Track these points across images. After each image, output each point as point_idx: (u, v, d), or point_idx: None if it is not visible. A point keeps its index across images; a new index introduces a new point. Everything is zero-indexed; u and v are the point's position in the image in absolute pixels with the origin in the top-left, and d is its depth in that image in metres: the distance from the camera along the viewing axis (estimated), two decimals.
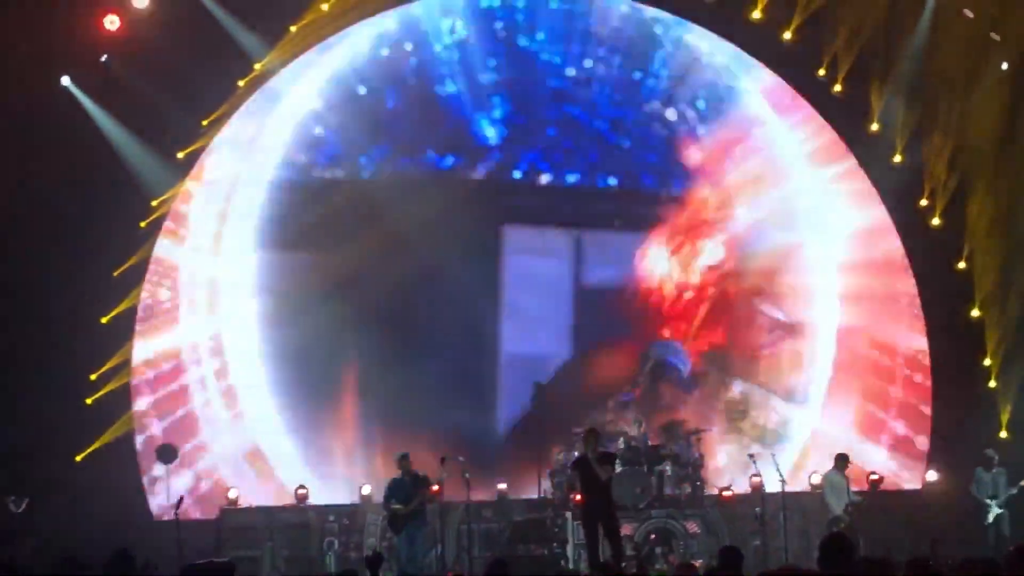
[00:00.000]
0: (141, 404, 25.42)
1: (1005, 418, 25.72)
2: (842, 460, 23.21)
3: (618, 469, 22.79)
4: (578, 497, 22.11)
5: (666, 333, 27.00)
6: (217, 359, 26.05)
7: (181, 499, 21.69)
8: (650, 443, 23.78)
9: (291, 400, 25.99)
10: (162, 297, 25.91)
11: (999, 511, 23.33)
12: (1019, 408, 25.59)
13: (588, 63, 27.14)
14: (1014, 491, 23.33)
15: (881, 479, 24.19)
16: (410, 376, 25.19)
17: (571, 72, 27.16)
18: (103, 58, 24.72)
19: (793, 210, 27.18)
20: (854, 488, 23.20)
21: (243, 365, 26.13)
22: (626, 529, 22.33)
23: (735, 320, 27.12)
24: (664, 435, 24.32)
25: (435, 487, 22.11)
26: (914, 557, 10.80)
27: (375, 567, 15.42)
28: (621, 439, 23.63)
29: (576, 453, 23.07)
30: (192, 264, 26.11)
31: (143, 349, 25.59)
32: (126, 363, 25.20)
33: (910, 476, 26.30)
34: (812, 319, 27.15)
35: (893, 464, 26.28)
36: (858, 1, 25.33)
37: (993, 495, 23.41)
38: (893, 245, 26.77)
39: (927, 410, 26.45)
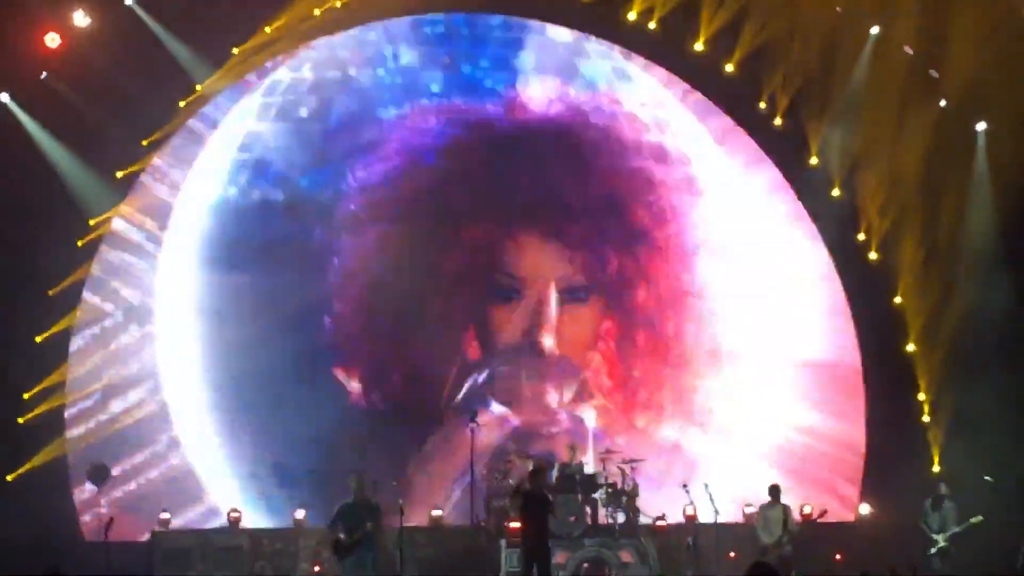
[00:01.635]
0: (74, 425, 25.18)
1: (936, 453, 25.93)
2: (775, 491, 23.29)
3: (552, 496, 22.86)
4: (515, 525, 22.24)
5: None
6: (152, 380, 25.84)
7: (111, 520, 21.47)
8: (585, 471, 23.80)
9: (227, 423, 25.83)
10: (99, 317, 25.70)
11: (943, 545, 23.43)
12: (950, 442, 25.80)
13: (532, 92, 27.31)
14: (958, 529, 23.43)
15: (822, 512, 24.18)
16: (345, 400, 25.13)
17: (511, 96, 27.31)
18: (43, 75, 24.55)
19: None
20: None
21: (179, 386, 25.92)
22: (559, 557, 22.32)
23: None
24: (598, 463, 24.35)
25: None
26: None
27: None
28: (556, 466, 23.62)
29: (510, 480, 23.18)
30: (130, 285, 25.93)
31: (78, 369, 25.39)
32: (61, 384, 24.98)
33: (843, 511, 26.45)
34: (743, 345, 27.36)
35: (826, 497, 26.42)
36: (800, 35, 25.47)
37: (941, 529, 23.51)
38: (830, 275, 27.13)
39: (861, 443, 26.65)
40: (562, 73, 27.36)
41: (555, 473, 23.47)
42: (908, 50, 25.75)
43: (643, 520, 23.96)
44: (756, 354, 27.27)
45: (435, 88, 27.01)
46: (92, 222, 25.11)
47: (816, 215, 27.02)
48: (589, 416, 26.70)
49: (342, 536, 20.86)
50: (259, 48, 25.73)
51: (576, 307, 26.95)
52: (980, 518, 23.23)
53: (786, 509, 23.08)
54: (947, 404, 25.89)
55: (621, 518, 23.45)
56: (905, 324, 26.30)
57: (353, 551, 21.02)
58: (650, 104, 27.53)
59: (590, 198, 27.02)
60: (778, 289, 27.34)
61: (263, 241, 26.09)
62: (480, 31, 27.45)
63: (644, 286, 27.16)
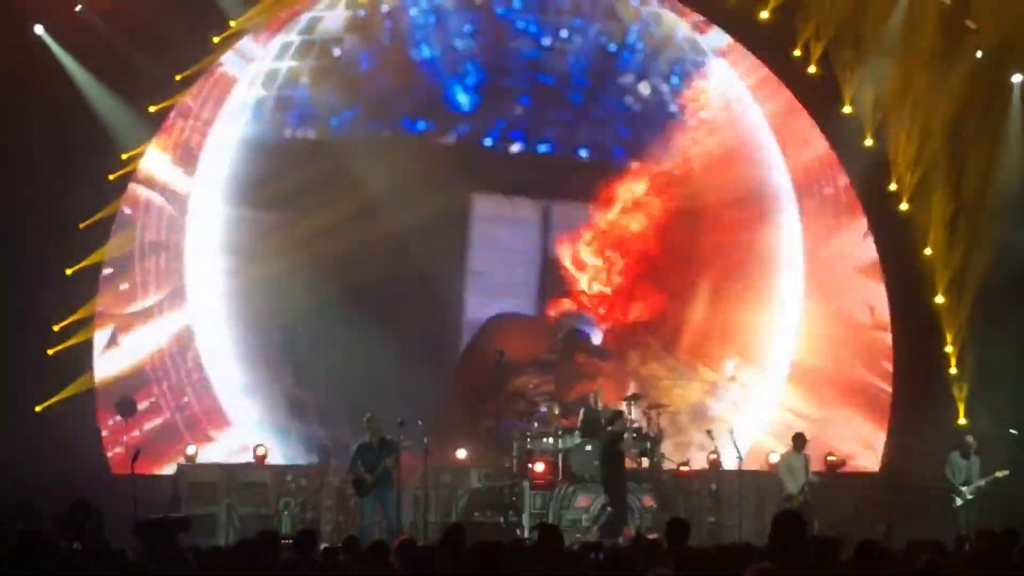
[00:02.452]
0: (102, 358, 25.31)
1: (962, 405, 25.91)
2: (799, 440, 23.29)
3: (576, 441, 22.95)
4: (539, 468, 22.48)
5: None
6: (180, 316, 25.93)
7: (137, 453, 21.57)
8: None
9: (252, 359, 25.96)
10: (128, 252, 25.78)
11: (969, 498, 23.44)
12: (975, 395, 25.78)
13: (564, 33, 27.17)
14: (983, 483, 23.43)
15: (841, 462, 24.24)
16: (372, 339, 25.17)
17: (547, 41, 27.16)
18: (77, 8, 24.54)
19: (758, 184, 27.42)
20: (813, 468, 23.30)
21: (206, 323, 26.03)
22: (582, 501, 22.43)
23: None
24: (625, 407, 24.33)
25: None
26: (865, 540, 10.86)
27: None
28: (582, 410, 23.66)
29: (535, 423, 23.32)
30: (158, 220, 25.98)
31: (107, 303, 25.49)
32: (90, 318, 25.08)
33: (868, 458, 26.48)
34: (776, 294, 27.37)
35: (852, 446, 26.46)
36: None
37: (966, 481, 23.52)
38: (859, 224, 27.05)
39: (887, 393, 26.66)
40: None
41: (580, 415, 23.52)
42: (945, 0, 25.59)
43: (667, 465, 24.03)
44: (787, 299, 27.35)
45: (467, 29, 26.93)
46: (124, 156, 25.12)
47: (848, 165, 26.94)
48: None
49: (364, 475, 21.26)
50: None
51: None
52: (1007, 472, 23.21)
53: (807, 458, 23.11)
54: (972, 356, 25.89)
55: (645, 463, 23.51)
56: (933, 276, 26.25)
57: (373, 489, 21.37)
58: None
59: None
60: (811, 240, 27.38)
61: (293, 180, 26.08)
62: None
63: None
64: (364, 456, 21.58)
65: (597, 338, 27.02)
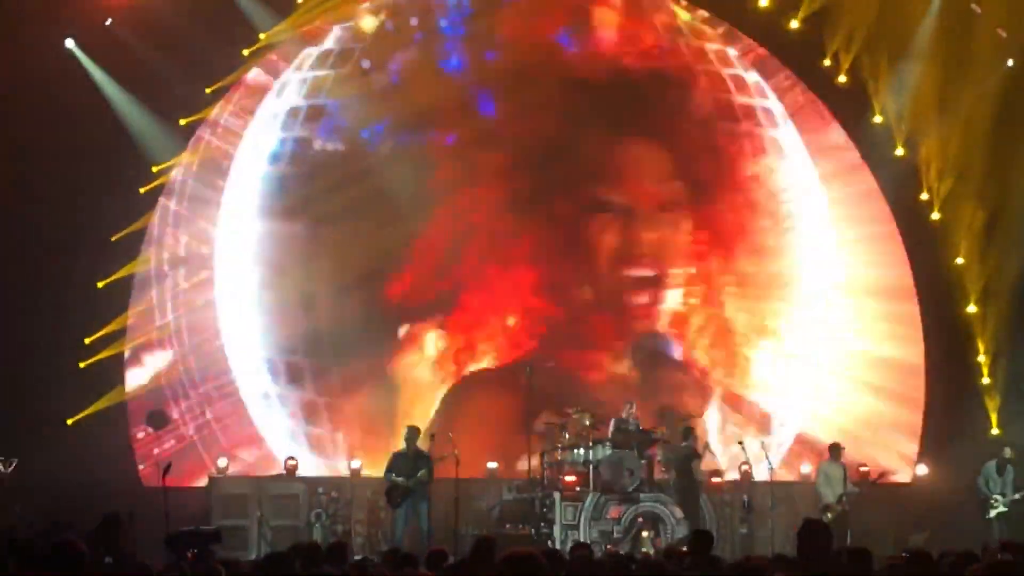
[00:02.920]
0: (134, 371, 25.34)
1: (995, 415, 25.80)
2: (836, 450, 23.25)
3: (607, 452, 22.88)
4: (569, 479, 22.44)
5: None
6: (210, 329, 25.95)
7: (169, 465, 21.53)
8: (641, 427, 23.77)
9: (282, 372, 25.96)
10: (160, 265, 25.83)
11: (1003, 509, 23.33)
12: (1008, 403, 25.66)
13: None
14: (1018, 496, 23.32)
15: (881, 474, 24.13)
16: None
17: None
18: (108, 22, 24.64)
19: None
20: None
21: (237, 335, 26.07)
22: (613, 512, 22.36)
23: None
24: (656, 420, 24.33)
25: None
26: (910, 551, 10.82)
27: None
28: (612, 421, 23.62)
29: (567, 434, 23.26)
30: (190, 234, 26.03)
31: (138, 316, 25.51)
32: (122, 331, 25.13)
33: (901, 470, 26.37)
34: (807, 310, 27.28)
35: (884, 457, 26.37)
36: None
37: (1002, 492, 23.42)
38: (891, 234, 26.95)
39: (920, 404, 26.55)
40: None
41: (611, 426, 23.48)
42: (976, 9, 25.50)
43: (698, 476, 23.95)
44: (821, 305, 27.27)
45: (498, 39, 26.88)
46: (155, 169, 25.20)
47: (880, 174, 26.86)
48: None
49: (399, 480, 21.46)
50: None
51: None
52: None
53: (844, 468, 23.05)
54: (1005, 366, 25.77)
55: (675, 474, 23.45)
56: (965, 285, 26.14)
57: (407, 498, 21.51)
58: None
59: None
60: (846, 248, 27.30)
61: (325, 192, 26.09)
62: None
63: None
64: (398, 465, 21.90)
65: (677, 353, 26.92)
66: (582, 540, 19.66)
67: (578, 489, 22.76)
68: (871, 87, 26.19)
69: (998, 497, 23.37)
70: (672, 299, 27.03)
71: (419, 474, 21.70)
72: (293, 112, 26.47)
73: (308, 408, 25.99)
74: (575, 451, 23.21)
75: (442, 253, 26.07)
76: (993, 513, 23.34)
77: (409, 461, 21.92)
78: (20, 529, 19.57)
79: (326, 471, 25.49)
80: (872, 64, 26.02)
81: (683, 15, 27.36)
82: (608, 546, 21.37)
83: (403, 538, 21.66)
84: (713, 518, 22.68)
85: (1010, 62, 25.57)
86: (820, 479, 23.13)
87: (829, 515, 22.25)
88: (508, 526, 23.35)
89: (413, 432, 22.38)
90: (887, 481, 24.04)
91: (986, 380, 26.02)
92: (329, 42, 26.61)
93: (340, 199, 25.83)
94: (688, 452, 22.80)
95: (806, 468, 24.83)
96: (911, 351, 26.83)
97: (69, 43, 24.71)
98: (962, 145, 25.67)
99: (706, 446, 23.87)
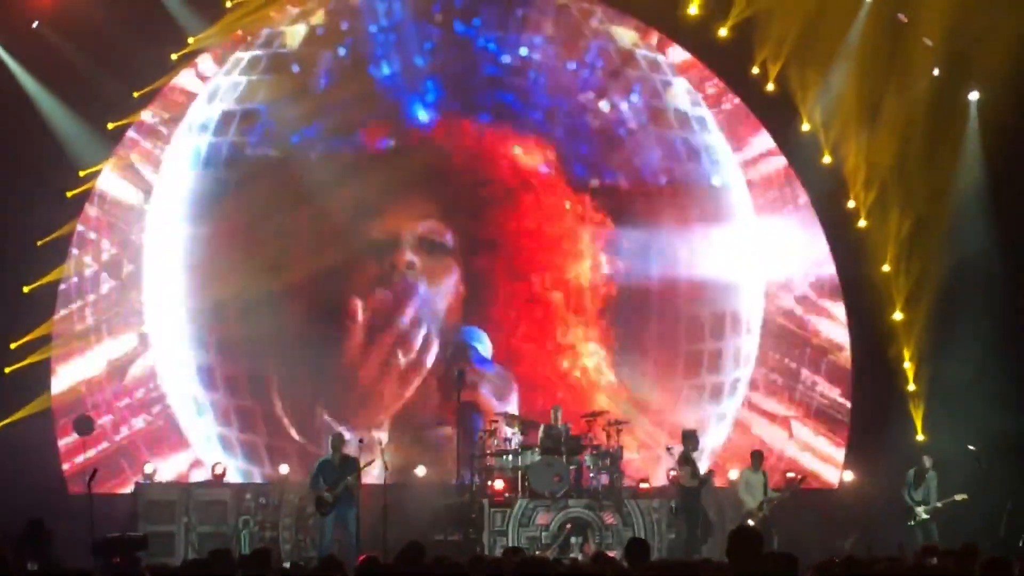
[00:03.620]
0: (60, 377, 25.15)
1: (919, 422, 26.04)
2: (757, 457, 23.51)
3: (536, 458, 22.90)
4: (498, 485, 22.48)
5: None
6: (136, 334, 25.77)
7: (95, 472, 21.46)
8: (570, 432, 23.80)
9: (211, 379, 25.82)
10: (85, 270, 25.65)
11: (924, 517, 23.53)
12: (933, 410, 25.90)
13: (523, 51, 27.20)
14: (939, 505, 23.52)
15: (800, 479, 24.40)
16: (330, 358, 25.23)
17: (506, 59, 27.18)
18: (35, 25, 24.47)
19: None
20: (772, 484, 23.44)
21: (165, 342, 25.89)
22: (542, 518, 22.39)
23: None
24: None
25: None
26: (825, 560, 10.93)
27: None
28: (542, 427, 23.63)
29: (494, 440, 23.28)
30: (115, 239, 25.84)
31: (64, 322, 25.33)
32: (48, 336, 24.94)
33: (826, 475, 26.57)
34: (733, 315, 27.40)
35: (809, 463, 26.57)
36: (793, 2, 25.41)
37: (923, 501, 23.61)
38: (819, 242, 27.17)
39: (846, 410, 26.77)
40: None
41: (540, 432, 23.49)
42: (903, 18, 25.73)
43: (627, 482, 24.02)
44: (743, 318, 27.37)
45: (427, 46, 26.89)
46: (82, 174, 25.03)
47: (807, 182, 27.06)
48: None
49: (325, 493, 21.44)
50: (252, 3, 25.72)
51: None
52: (964, 496, 23.32)
53: (765, 475, 23.28)
54: (930, 372, 26.01)
55: (605, 480, 23.49)
56: (892, 291, 26.37)
57: (334, 506, 21.51)
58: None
59: None
60: (768, 254, 27.44)
61: (253, 197, 26.00)
62: None
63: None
64: (325, 473, 21.92)
65: (487, 348, 26.78)
66: (511, 546, 19.65)
67: (507, 495, 22.79)
68: (798, 95, 26.37)
69: (917, 508, 23.57)
70: None
71: (346, 480, 21.72)
72: (225, 117, 26.32)
73: (238, 413, 25.84)
74: (504, 457, 23.24)
75: None
76: (915, 521, 23.55)
77: (335, 468, 21.95)
78: None
79: (257, 477, 25.38)
80: (800, 72, 26.20)
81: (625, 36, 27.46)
82: (537, 552, 21.40)
83: (331, 545, 21.63)
84: (601, 525, 22.71)
85: (936, 71, 25.78)
86: (741, 486, 23.40)
87: (750, 522, 22.45)
88: (437, 532, 23.33)
89: (338, 439, 22.44)
90: (810, 486, 24.22)
91: (911, 387, 26.25)
92: (258, 47, 26.48)
93: (271, 204, 25.76)
94: (703, 481, 22.92)
95: (734, 474, 24.95)
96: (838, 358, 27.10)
97: None
98: (888, 153, 25.89)
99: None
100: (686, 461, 22.87)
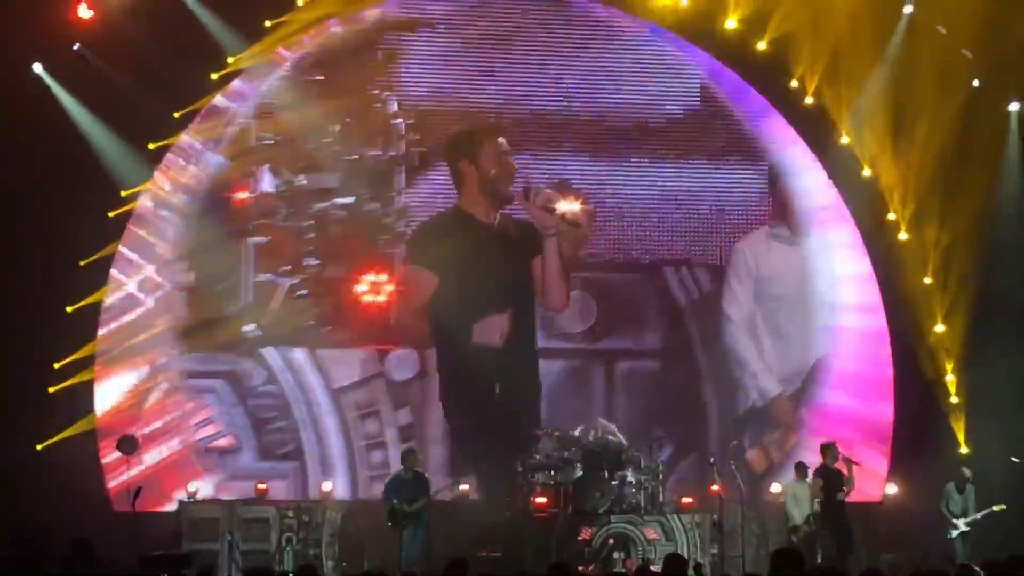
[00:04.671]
0: (104, 397, 25.24)
1: (962, 434, 25.93)
2: (801, 469, 23.35)
3: (578, 472, 22.89)
4: (540, 500, 22.45)
5: None
6: (178, 352, 25.86)
7: (139, 490, 21.57)
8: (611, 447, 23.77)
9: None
10: (128, 291, 25.75)
11: (964, 529, 23.46)
12: (976, 423, 25.80)
13: None
14: (979, 516, 23.47)
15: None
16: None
17: None
18: (76, 46, 24.64)
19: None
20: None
21: None
22: (585, 533, 22.38)
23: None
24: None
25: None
26: (868, 569, 10.90)
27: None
28: (582, 441, 23.60)
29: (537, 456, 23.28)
30: (156, 260, 25.92)
31: (107, 341, 25.42)
32: (91, 356, 25.04)
33: (870, 488, 26.47)
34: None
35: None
36: (831, 14, 25.37)
37: (963, 513, 23.55)
38: (860, 258, 27.06)
39: (889, 422, 26.68)
40: None
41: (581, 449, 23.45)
42: (942, 29, 25.66)
43: (668, 497, 23.98)
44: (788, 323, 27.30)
45: None
46: (124, 194, 25.16)
47: (847, 195, 26.99)
48: None
49: (405, 506, 21.74)
50: (291, 23, 25.81)
51: None
52: (1003, 506, 23.27)
53: (811, 487, 23.10)
54: (973, 384, 25.92)
55: (647, 495, 23.44)
56: (933, 304, 26.28)
57: (411, 521, 21.81)
58: None
59: None
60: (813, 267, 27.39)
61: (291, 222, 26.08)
62: None
63: None
64: (398, 488, 22.15)
65: None
66: (554, 561, 19.65)
67: (549, 511, 22.78)
68: (836, 109, 26.31)
69: (956, 520, 23.53)
70: None
71: (424, 498, 22.26)
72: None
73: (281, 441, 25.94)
74: (546, 472, 23.23)
75: None
76: (955, 533, 23.51)
77: (409, 484, 22.25)
78: None
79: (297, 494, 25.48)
80: (837, 85, 26.14)
81: None
82: (580, 568, 21.39)
83: (415, 562, 21.82)
84: (644, 540, 22.64)
85: (976, 82, 25.72)
86: (788, 500, 23.22)
87: (795, 537, 22.40)
88: (480, 548, 23.34)
89: (410, 454, 22.99)
90: (856, 499, 24.17)
91: (954, 399, 26.16)
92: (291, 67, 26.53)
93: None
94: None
95: (776, 487, 24.87)
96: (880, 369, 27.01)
97: (37, 67, 24.70)
98: (927, 165, 25.81)
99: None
100: (824, 473, 22.81)
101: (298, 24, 25.91)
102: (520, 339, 25.61)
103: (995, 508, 23.31)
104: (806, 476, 23.19)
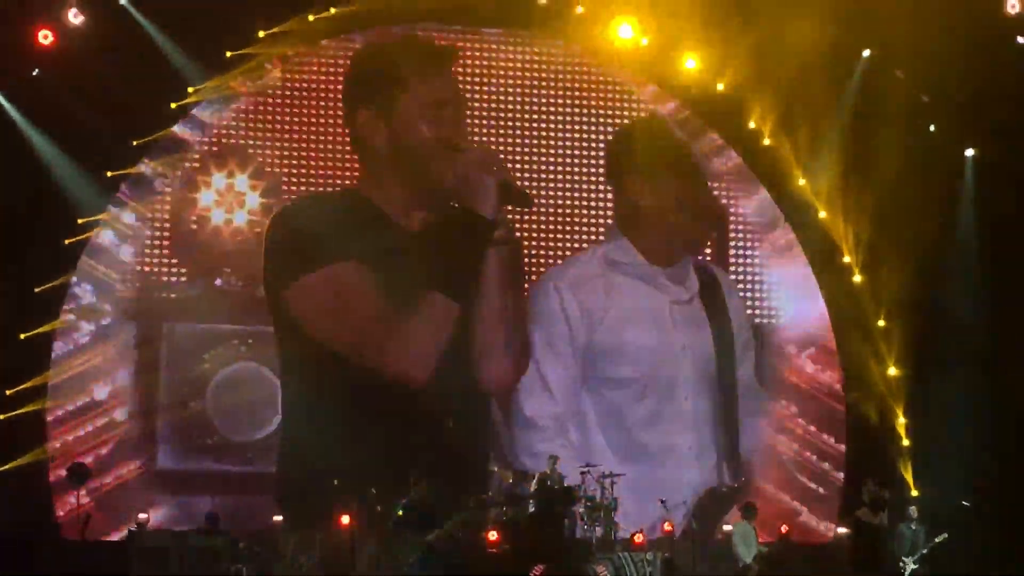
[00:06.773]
0: (55, 426, 25.11)
1: (909, 477, 26.07)
2: (750, 509, 23.37)
3: (530, 509, 22.83)
4: (492, 536, 22.34)
5: None
6: (133, 379, 25.79)
7: (88, 518, 21.48)
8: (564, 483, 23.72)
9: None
10: (83, 319, 25.68)
11: (914, 567, 23.57)
12: (926, 466, 25.92)
13: None
14: (926, 551, 23.60)
15: (789, 531, 24.34)
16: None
17: None
18: (35, 72, 24.60)
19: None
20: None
21: None
22: (536, 571, 22.30)
23: None
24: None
25: None
26: None
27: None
28: (536, 476, 23.55)
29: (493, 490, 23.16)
30: (111, 290, 25.87)
31: (60, 373, 25.33)
32: (44, 386, 24.94)
33: (821, 528, 26.54)
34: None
35: (804, 517, 26.52)
36: (790, 56, 25.51)
37: (911, 552, 23.66)
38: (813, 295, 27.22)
39: (840, 463, 26.75)
40: None
41: (534, 484, 23.41)
42: (899, 74, 25.85)
43: (621, 535, 23.93)
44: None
45: None
46: (81, 221, 25.09)
47: (802, 238, 27.12)
48: None
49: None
50: (254, 54, 25.82)
51: None
52: (944, 535, 23.44)
53: (755, 529, 23.19)
54: (922, 428, 26.05)
55: (599, 532, 23.41)
56: (886, 349, 26.40)
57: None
58: None
59: None
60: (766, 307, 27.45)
61: (253, 254, 25.99)
62: None
63: None
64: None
65: None
66: None
67: (501, 547, 22.70)
68: (794, 150, 26.45)
69: (905, 558, 23.66)
70: None
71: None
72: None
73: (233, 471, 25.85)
74: (496, 508, 23.16)
75: None
76: (906, 572, 23.60)
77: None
78: None
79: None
80: (795, 127, 26.29)
81: None
82: None
83: None
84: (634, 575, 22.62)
85: (932, 127, 25.92)
86: (735, 539, 23.21)
87: (748, 574, 22.43)
88: None
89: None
90: (805, 540, 24.18)
91: (905, 442, 26.27)
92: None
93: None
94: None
95: (727, 527, 24.90)
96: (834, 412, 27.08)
97: None
98: (885, 209, 25.95)
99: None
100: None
101: (260, 58, 25.90)
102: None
103: (938, 539, 23.49)
104: (754, 516, 23.23)
